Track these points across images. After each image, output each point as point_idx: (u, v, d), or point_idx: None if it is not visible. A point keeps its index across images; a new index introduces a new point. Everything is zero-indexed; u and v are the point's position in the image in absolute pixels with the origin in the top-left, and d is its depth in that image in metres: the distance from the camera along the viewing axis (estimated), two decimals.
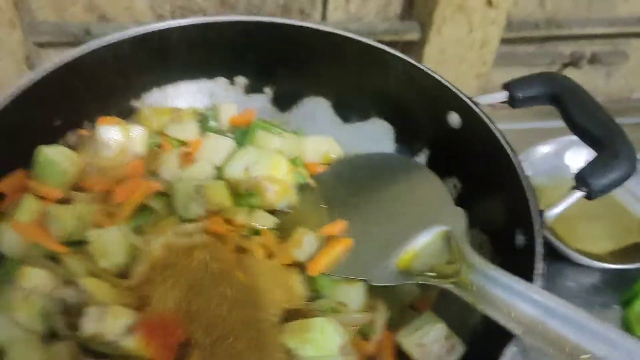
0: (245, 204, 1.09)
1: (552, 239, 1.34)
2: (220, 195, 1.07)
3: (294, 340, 0.91)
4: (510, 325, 0.82)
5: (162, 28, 1.15)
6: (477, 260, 0.91)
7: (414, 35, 1.80)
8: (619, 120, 1.01)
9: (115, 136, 1.09)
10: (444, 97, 1.13)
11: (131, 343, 0.85)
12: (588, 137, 1.03)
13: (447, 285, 0.91)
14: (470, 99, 1.10)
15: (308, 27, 1.19)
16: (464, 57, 1.85)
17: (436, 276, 0.94)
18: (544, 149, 1.49)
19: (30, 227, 0.98)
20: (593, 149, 1.02)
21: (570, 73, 2.01)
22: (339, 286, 1.03)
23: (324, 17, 1.78)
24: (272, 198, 1.09)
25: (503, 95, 1.10)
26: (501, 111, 1.67)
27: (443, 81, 1.12)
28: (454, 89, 1.12)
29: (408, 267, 0.98)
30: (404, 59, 1.16)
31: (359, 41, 1.19)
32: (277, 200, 1.09)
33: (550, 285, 1.35)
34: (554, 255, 1.35)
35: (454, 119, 1.14)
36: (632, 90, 2.21)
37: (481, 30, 1.78)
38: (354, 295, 1.02)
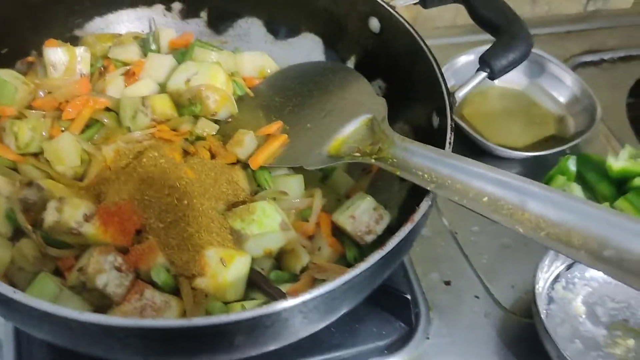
0: (189, 112, 1.18)
1: (475, 134, 1.46)
2: (164, 105, 1.16)
3: (240, 222, 1.02)
4: (424, 184, 0.94)
5: None
6: (396, 136, 1.03)
7: None
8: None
9: (61, 57, 1.16)
10: (362, 3, 1.23)
11: (90, 229, 0.94)
12: (489, 26, 1.14)
13: (371, 160, 1.02)
14: (386, 3, 1.20)
15: None
16: None
17: (361, 155, 1.05)
18: (466, 58, 1.60)
19: None
20: (493, 35, 1.13)
21: None
22: (280, 179, 1.14)
23: None
24: (212, 106, 1.18)
25: None
26: (429, 29, 1.78)
27: None
28: None
29: (337, 151, 1.09)
30: None
31: None
32: (217, 108, 1.18)
33: None
34: (478, 151, 1.47)
35: (374, 23, 1.24)
36: None
37: None
38: (293, 185, 1.13)
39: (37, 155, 1.08)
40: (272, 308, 0.79)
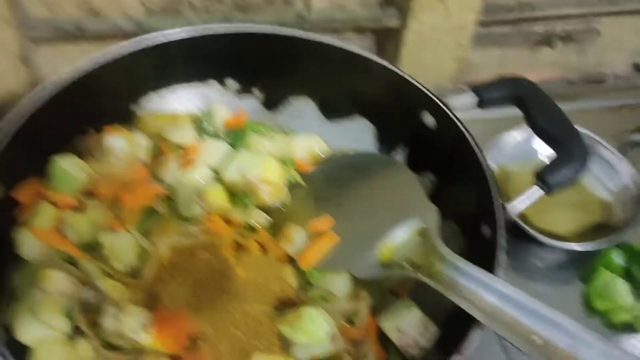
0: (241, 203, 1.20)
1: (520, 222, 1.45)
2: (219, 197, 1.18)
3: (289, 328, 1.04)
4: (473, 312, 0.93)
5: (158, 41, 1.25)
6: (448, 253, 1.02)
7: (393, 22, 1.88)
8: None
9: (120, 144, 1.19)
10: (419, 98, 1.24)
11: (146, 338, 0.97)
12: (547, 138, 1.14)
13: (421, 277, 1.02)
14: (441, 100, 1.20)
15: (294, 37, 1.29)
16: (442, 42, 1.93)
17: (411, 268, 1.04)
18: (513, 136, 1.59)
19: (49, 233, 1.08)
20: (551, 148, 1.13)
21: (546, 52, 2.12)
22: (327, 276, 1.15)
23: (307, 6, 1.85)
24: (265, 198, 1.20)
25: (471, 97, 1.20)
26: None
27: (418, 85, 1.23)
28: (428, 92, 1.22)
29: (388, 259, 1.09)
30: (382, 64, 1.26)
31: (341, 48, 1.28)
32: (269, 199, 1.20)
33: (517, 263, 1.47)
34: (522, 236, 1.45)
35: (428, 118, 1.24)
36: (602, 65, 2.30)
37: (458, 15, 1.86)
38: (340, 284, 1.13)
39: (93, 246, 1.10)
40: None
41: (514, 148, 1.57)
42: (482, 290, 0.93)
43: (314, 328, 1.03)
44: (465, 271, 0.98)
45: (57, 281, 1.02)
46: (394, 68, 1.25)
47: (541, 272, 1.48)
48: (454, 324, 1.09)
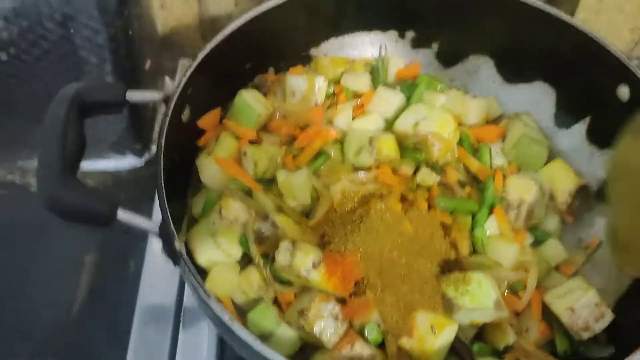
0: (411, 157, 1.17)
1: None
2: (390, 147, 1.16)
3: (453, 291, 1.02)
4: None
5: None
6: None
7: None
8: None
9: (302, 86, 1.20)
10: (615, 69, 1.14)
11: (316, 277, 0.99)
12: None
13: None
14: None
15: None
16: (622, 9, 1.79)
17: None
18: None
19: (230, 163, 1.11)
20: None
21: None
22: (495, 244, 1.12)
23: None
24: (436, 154, 1.17)
25: None
26: None
27: (619, 54, 1.13)
28: (628, 64, 1.12)
29: None
30: (579, 29, 1.17)
31: (532, 5, 1.21)
32: (440, 156, 1.17)
33: None
34: None
35: (624, 91, 1.15)
36: None
37: None
38: (508, 254, 1.10)
39: (270, 182, 1.12)
40: None
41: None
42: None
43: (481, 294, 1.01)
44: None
45: (235, 209, 1.05)
46: (593, 34, 1.16)
47: None
48: (625, 312, 1.03)
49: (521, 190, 1.16)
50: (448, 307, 1.02)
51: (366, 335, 0.99)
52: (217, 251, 1.05)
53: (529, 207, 1.16)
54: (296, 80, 1.20)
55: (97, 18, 1.48)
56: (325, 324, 0.97)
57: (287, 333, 1.00)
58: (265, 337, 0.99)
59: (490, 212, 1.16)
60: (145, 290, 1.25)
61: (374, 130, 1.20)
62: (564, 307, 1.03)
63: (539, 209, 1.17)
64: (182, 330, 1.20)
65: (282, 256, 0.99)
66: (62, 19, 1.41)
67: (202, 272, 1.06)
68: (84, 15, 1.46)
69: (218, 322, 0.87)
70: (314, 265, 0.99)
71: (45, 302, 1.33)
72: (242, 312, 1.04)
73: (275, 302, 1.05)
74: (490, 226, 1.15)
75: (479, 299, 1.01)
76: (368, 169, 1.16)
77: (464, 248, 1.10)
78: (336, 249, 1.03)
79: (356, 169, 1.16)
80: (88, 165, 1.66)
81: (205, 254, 1.05)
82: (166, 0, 1.75)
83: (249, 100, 1.15)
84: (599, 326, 1.02)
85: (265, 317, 1.00)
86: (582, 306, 1.02)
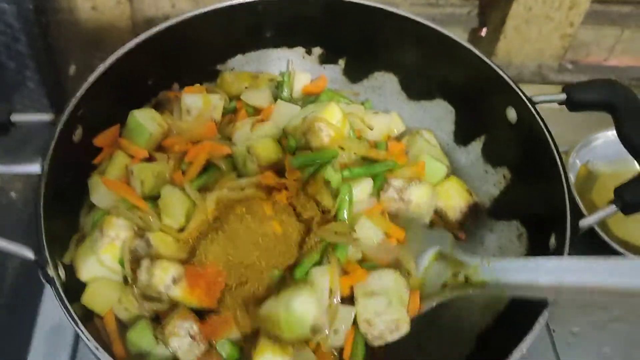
0: (289, 146, 1.19)
1: (600, 231, 1.36)
2: (267, 150, 1.16)
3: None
4: (537, 295, 0.94)
5: (250, 0, 1.25)
6: (477, 260, 1.00)
7: None
8: None
9: (197, 103, 1.22)
10: (505, 92, 1.18)
11: (177, 292, 1.00)
12: (634, 151, 1.06)
13: (468, 292, 0.99)
14: (528, 98, 1.14)
15: (386, 10, 1.25)
16: (550, 17, 1.82)
17: (451, 289, 1.02)
18: (607, 135, 1.49)
19: (116, 183, 1.12)
20: (636, 161, 1.05)
21: None
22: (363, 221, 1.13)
23: None
24: (325, 140, 1.16)
25: (561, 98, 1.13)
26: None
27: (507, 79, 1.17)
28: (515, 88, 1.16)
29: (424, 293, 1.06)
30: (474, 53, 1.21)
31: (433, 29, 1.24)
32: (327, 140, 1.16)
33: None
34: (599, 244, 1.36)
35: (512, 113, 1.19)
36: None
37: None
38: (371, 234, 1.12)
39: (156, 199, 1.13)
40: None
41: (606, 148, 1.48)
42: (531, 275, 0.92)
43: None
44: (506, 268, 0.96)
45: (117, 227, 1.06)
46: (487, 60, 1.20)
47: None
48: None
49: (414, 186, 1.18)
50: None
51: (220, 352, 1.01)
52: (100, 268, 1.06)
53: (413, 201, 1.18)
54: (191, 98, 1.22)
55: (15, 26, 1.49)
56: (181, 343, 0.98)
57: (164, 353, 1.00)
58: (142, 356, 1.01)
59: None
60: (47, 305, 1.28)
61: (254, 138, 1.20)
62: (363, 317, 1.02)
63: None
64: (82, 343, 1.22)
65: (142, 275, 1.00)
66: None
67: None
68: (1, 23, 1.47)
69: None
70: (175, 281, 1.00)
71: None
72: (125, 328, 1.05)
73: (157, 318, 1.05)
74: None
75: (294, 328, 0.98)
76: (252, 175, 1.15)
77: (326, 202, 1.11)
78: (199, 260, 1.04)
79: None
80: (17, 168, 1.68)
81: (88, 271, 1.05)
82: (97, 3, 1.74)
83: (141, 119, 1.16)
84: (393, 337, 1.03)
85: (144, 336, 1.02)
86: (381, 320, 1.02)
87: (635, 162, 1.07)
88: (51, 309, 1.28)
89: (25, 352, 1.22)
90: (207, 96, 1.23)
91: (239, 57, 1.36)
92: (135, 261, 1.05)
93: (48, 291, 1.29)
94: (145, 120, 1.17)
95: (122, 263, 1.06)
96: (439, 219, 1.22)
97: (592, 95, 1.12)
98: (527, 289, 0.93)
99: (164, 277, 0.99)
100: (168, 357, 1.00)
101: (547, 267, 0.92)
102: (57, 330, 1.25)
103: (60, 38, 1.61)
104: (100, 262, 1.05)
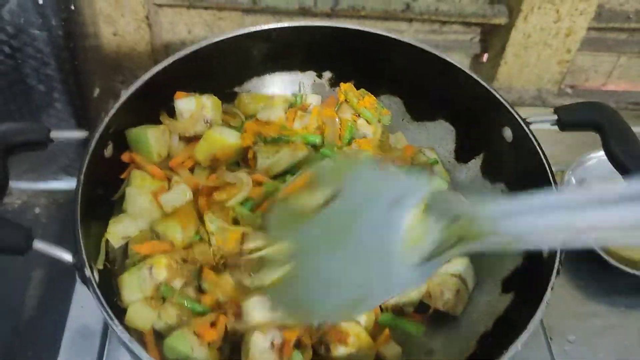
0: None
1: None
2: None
3: None
4: (544, 244, 0.95)
5: (265, 28, 1.36)
6: (472, 208, 0.82)
7: (501, 20, 1.89)
8: None
9: (189, 106, 1.31)
10: (502, 113, 1.27)
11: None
12: (620, 166, 1.14)
13: (470, 246, 0.80)
14: (523, 119, 1.23)
15: (392, 38, 1.36)
16: (548, 44, 1.92)
17: (450, 247, 0.82)
18: (599, 156, 1.57)
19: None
20: (622, 177, 1.14)
21: None
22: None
23: None
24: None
25: (553, 118, 1.22)
26: None
27: (503, 101, 1.26)
28: (511, 109, 1.25)
29: (420, 255, 0.85)
30: (473, 78, 1.30)
31: (435, 55, 1.33)
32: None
33: (582, 284, 1.49)
34: (593, 257, 1.45)
35: (508, 133, 1.28)
36: None
37: (568, 20, 1.84)
38: None
39: None
40: None
41: (600, 167, 1.56)
42: (538, 218, 0.75)
43: None
44: (508, 211, 0.78)
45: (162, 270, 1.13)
46: (485, 84, 1.29)
47: (603, 295, 1.48)
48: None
49: None
50: None
51: None
52: (139, 294, 1.14)
53: None
54: (183, 102, 1.30)
55: (45, 51, 1.59)
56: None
57: (201, 356, 1.08)
58: None
59: None
60: (76, 310, 1.36)
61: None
62: None
63: None
64: (109, 347, 1.31)
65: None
66: (10, 51, 1.52)
67: None
68: (32, 48, 1.58)
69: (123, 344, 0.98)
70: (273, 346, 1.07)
71: None
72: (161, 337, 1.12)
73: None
74: None
75: None
76: None
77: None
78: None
79: None
80: (42, 185, 1.78)
81: (131, 300, 1.14)
82: (118, 29, 1.86)
83: (138, 134, 1.25)
84: None
85: (181, 342, 1.07)
86: None
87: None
88: (78, 316, 1.36)
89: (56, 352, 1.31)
90: (199, 97, 1.31)
91: (254, 79, 1.46)
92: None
93: (76, 298, 1.39)
94: (142, 133, 1.26)
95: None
96: None
97: (580, 115, 1.21)
98: (536, 235, 0.77)
99: (264, 344, 1.06)
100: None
101: (554, 203, 0.76)
102: (84, 334, 1.33)
103: (86, 62, 1.72)
104: (146, 302, 1.13)
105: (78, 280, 1.39)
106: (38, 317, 1.45)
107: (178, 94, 1.32)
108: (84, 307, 1.37)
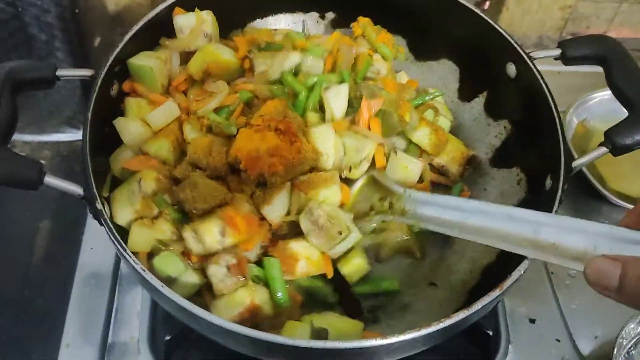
0: None
1: (593, 180, 1.47)
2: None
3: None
4: (443, 230, 1.08)
5: None
6: (401, 189, 1.17)
7: None
8: None
9: (188, 22, 1.29)
10: (505, 49, 1.27)
11: (230, 240, 1.09)
12: (623, 98, 1.15)
13: (389, 217, 1.17)
14: (527, 53, 1.23)
15: None
16: None
17: (376, 213, 1.19)
18: (602, 94, 1.58)
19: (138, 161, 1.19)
20: (626, 109, 1.14)
21: None
22: None
23: None
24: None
25: (556, 53, 1.22)
26: None
27: (507, 36, 1.26)
28: (515, 44, 1.25)
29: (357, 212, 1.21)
30: (477, 13, 1.30)
31: None
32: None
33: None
34: (594, 194, 1.48)
35: (511, 69, 1.28)
36: None
37: None
38: None
39: None
40: (363, 344, 0.92)
41: (601, 106, 1.57)
42: (441, 211, 1.09)
43: None
44: (423, 200, 1.14)
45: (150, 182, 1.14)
46: (488, 19, 1.29)
47: None
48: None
49: None
50: None
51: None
52: (135, 214, 1.13)
53: None
54: (182, 18, 1.28)
55: None
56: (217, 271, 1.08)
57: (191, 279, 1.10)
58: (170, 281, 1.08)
59: None
60: (86, 252, 1.39)
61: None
62: None
63: None
64: (119, 288, 1.34)
65: (193, 246, 1.09)
66: None
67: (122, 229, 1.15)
68: None
69: (133, 271, 1.00)
70: (223, 234, 1.08)
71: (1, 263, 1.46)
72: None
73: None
74: None
75: None
76: None
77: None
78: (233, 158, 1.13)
79: None
80: (45, 137, 1.78)
81: (124, 217, 1.13)
82: None
83: (139, 61, 1.23)
84: None
85: (169, 263, 1.09)
86: None
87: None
88: (87, 262, 1.39)
89: (67, 298, 1.34)
90: (199, 12, 1.29)
91: (257, 20, 1.46)
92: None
93: (85, 244, 1.41)
94: (142, 60, 1.24)
95: (160, 204, 1.14)
96: (440, 174, 1.34)
97: (584, 49, 1.21)
98: (437, 223, 1.09)
99: (213, 236, 1.08)
100: (194, 284, 1.10)
101: (453, 204, 1.08)
102: (95, 279, 1.36)
103: (86, 11, 1.70)
104: (135, 211, 1.13)
105: (86, 226, 1.44)
106: (47, 266, 1.47)
107: (177, 10, 1.30)
108: (94, 249, 1.39)
